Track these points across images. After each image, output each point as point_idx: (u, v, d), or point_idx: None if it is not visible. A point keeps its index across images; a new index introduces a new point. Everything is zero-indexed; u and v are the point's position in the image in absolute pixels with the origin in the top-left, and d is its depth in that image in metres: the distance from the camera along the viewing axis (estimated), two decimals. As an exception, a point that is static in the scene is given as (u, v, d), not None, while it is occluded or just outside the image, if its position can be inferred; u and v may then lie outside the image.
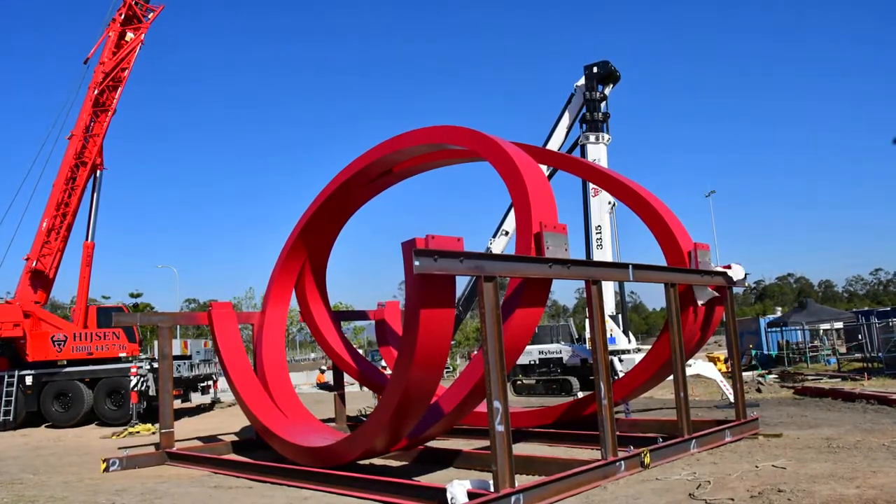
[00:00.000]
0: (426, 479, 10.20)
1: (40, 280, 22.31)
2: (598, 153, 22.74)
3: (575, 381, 22.97)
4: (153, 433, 17.47)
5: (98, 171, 23.34)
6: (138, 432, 18.47)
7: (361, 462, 11.26)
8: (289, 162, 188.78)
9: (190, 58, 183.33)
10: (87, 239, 23.22)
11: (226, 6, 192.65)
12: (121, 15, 23.03)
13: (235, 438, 15.90)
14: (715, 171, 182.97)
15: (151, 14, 23.45)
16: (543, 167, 14.54)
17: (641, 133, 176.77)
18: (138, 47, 23.04)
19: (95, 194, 23.35)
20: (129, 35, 23.05)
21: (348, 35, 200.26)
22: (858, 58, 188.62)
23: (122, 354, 21.99)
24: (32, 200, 25.37)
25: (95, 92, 22.64)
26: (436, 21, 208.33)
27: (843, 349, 33.01)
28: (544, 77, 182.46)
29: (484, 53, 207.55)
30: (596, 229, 22.41)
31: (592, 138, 22.92)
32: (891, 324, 25.74)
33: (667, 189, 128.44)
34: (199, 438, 16.61)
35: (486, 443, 13.42)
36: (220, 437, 17.20)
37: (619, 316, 23.00)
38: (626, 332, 22.97)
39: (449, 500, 7.89)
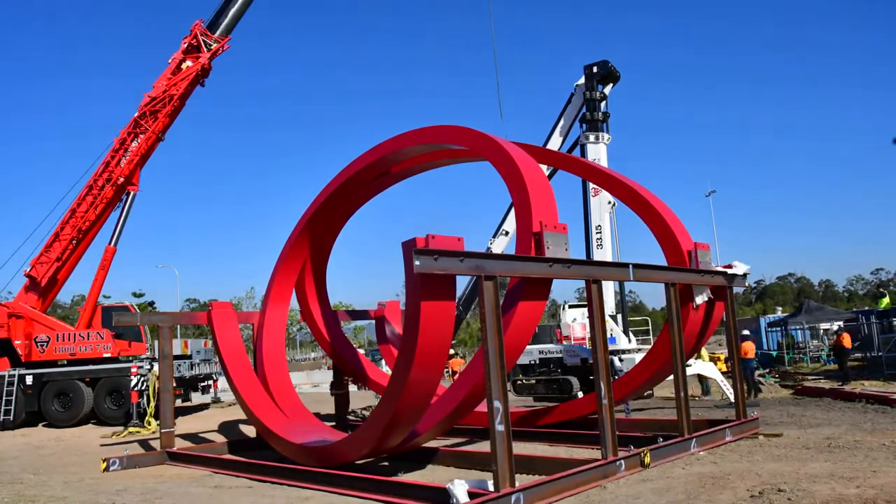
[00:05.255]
0: (409, 478, 10.22)
1: (35, 286, 22.31)
2: (597, 153, 22.73)
3: (575, 381, 22.95)
4: (153, 433, 17.48)
5: (131, 193, 22.74)
6: (138, 432, 18.48)
7: (361, 461, 11.28)
8: (290, 161, 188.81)
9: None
10: (110, 243, 22.91)
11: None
12: (185, 43, 22.35)
13: (223, 438, 15.91)
14: (715, 170, 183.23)
15: (215, 45, 22.32)
16: (543, 167, 14.54)
17: (642, 133, 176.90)
18: (192, 76, 22.12)
19: (125, 210, 22.84)
20: (188, 63, 22.28)
21: (347, 34, 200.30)
22: (859, 61, 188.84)
23: (107, 354, 21.89)
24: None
25: (137, 115, 22.11)
26: (436, 20, 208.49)
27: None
28: (544, 77, 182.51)
29: (484, 53, 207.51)
30: (596, 229, 22.39)
31: (592, 138, 22.90)
32: (891, 323, 25.73)
33: (667, 189, 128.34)
34: (181, 436, 16.53)
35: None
36: (201, 434, 17.26)
37: (619, 315, 22.99)
38: (626, 332, 22.96)
39: (450, 499, 7.89)
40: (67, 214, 22.15)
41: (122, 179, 22.18)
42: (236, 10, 22.52)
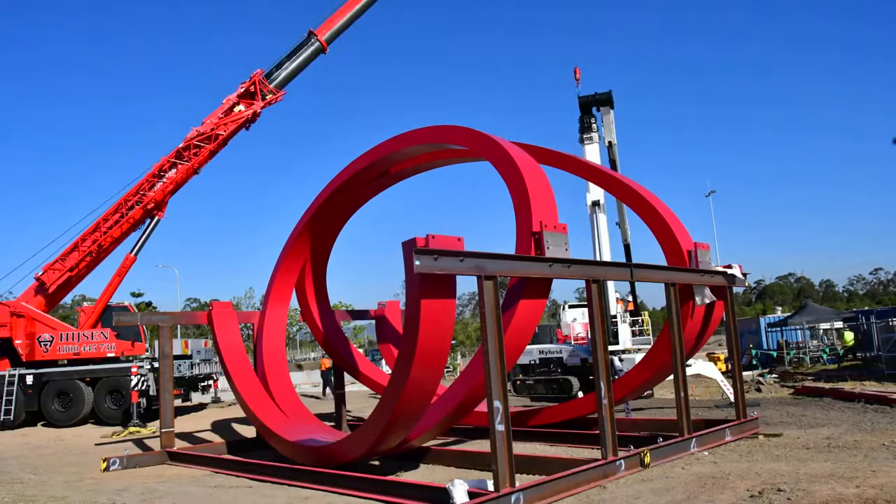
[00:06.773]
0: (409, 477, 10.22)
1: (42, 290, 22.37)
2: (592, 153, 22.94)
3: (575, 381, 22.98)
4: (154, 433, 17.50)
5: (156, 217, 23.00)
6: (138, 432, 18.49)
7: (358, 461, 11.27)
8: (290, 161, 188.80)
9: (190, 49, 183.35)
10: (131, 252, 23.09)
11: None
12: (242, 88, 22.57)
13: (222, 438, 15.90)
14: (715, 171, 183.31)
15: (270, 96, 22.56)
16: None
17: (641, 133, 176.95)
18: (242, 120, 22.36)
19: (147, 231, 23.06)
20: (240, 107, 22.51)
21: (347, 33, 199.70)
22: (858, 61, 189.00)
23: (111, 354, 21.95)
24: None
25: (182, 145, 22.31)
26: (436, 19, 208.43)
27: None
28: (544, 76, 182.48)
29: (485, 51, 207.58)
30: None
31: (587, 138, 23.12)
32: (891, 323, 25.72)
33: (667, 189, 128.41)
34: (181, 436, 16.50)
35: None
36: (201, 434, 17.24)
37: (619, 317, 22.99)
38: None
39: (450, 499, 7.89)
40: (91, 227, 22.29)
41: (152, 204, 22.44)
42: (294, 68, 22.95)
